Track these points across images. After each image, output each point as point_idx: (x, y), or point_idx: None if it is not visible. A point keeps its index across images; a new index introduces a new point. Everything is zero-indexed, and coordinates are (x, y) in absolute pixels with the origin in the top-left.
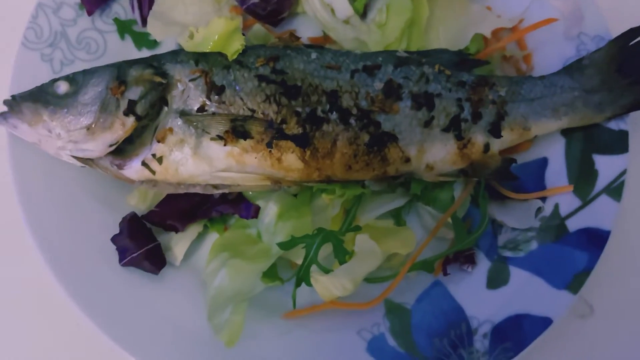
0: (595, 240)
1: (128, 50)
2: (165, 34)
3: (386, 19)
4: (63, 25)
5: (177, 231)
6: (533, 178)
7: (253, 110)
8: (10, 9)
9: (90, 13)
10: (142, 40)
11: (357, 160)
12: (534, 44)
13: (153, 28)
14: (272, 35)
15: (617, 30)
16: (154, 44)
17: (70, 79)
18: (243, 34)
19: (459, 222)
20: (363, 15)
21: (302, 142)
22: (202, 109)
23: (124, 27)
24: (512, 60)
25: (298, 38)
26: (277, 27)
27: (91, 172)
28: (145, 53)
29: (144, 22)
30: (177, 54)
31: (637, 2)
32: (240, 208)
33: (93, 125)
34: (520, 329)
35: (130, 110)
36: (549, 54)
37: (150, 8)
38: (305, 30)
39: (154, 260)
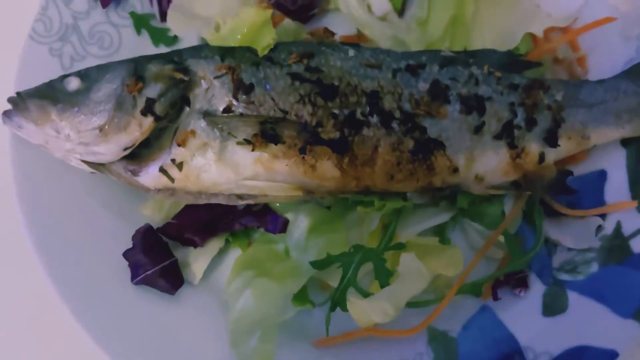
0: None
1: (145, 47)
2: (187, 28)
3: (427, 15)
4: (75, 18)
5: (196, 246)
6: (591, 192)
7: (285, 112)
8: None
9: (105, 5)
10: (161, 36)
11: (401, 169)
12: (589, 46)
13: (173, 21)
14: (303, 31)
15: None
16: (174, 40)
17: (82, 74)
18: None
19: (512, 240)
20: (401, 11)
21: (340, 147)
22: (228, 109)
23: (140, 22)
24: (565, 63)
25: (333, 34)
26: (307, 24)
27: (102, 179)
28: (164, 50)
29: (163, 16)
30: (201, 49)
31: None
32: (266, 221)
33: (106, 126)
34: None
35: (148, 109)
36: (606, 56)
37: (170, 1)
38: (337, 28)
39: (170, 278)
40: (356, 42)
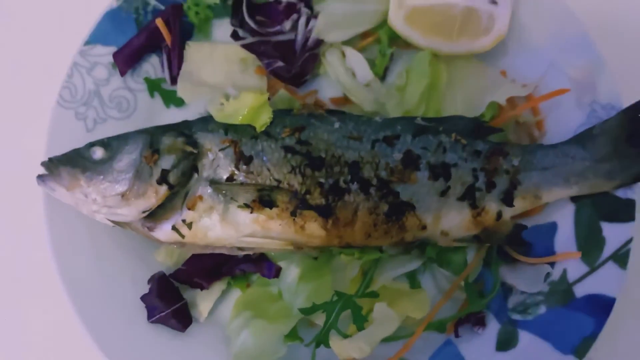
0: (601, 306)
1: (157, 108)
2: (195, 96)
3: (406, 83)
4: (96, 85)
5: (202, 288)
6: (543, 242)
7: (279, 181)
8: (45, 68)
9: (123, 74)
10: (171, 98)
11: (377, 228)
12: (547, 110)
13: (183, 90)
14: (296, 100)
15: (629, 99)
16: (182, 102)
17: (105, 144)
18: (269, 98)
19: (471, 288)
20: (383, 78)
21: (325, 212)
22: (231, 178)
23: (153, 86)
24: (525, 125)
25: (321, 106)
26: (300, 88)
27: (123, 230)
28: (173, 110)
29: (173, 80)
30: (208, 122)
31: None
32: (262, 267)
33: (127, 192)
34: None
35: (163, 179)
36: (562, 121)
37: (179, 67)
38: (327, 91)
39: (180, 318)
40: (343, 103)
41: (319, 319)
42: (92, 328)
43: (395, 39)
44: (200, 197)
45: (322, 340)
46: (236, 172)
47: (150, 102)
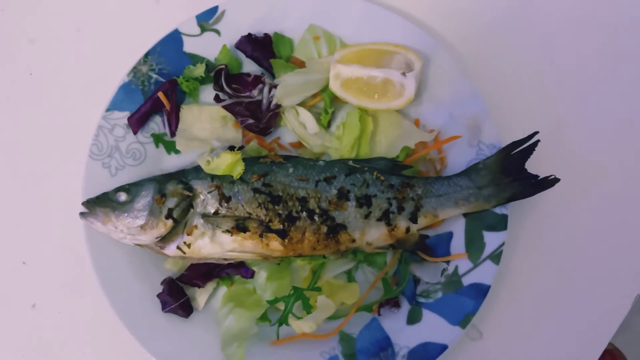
0: (480, 291)
1: (161, 155)
2: (189, 148)
3: (342, 133)
4: (116, 141)
5: (199, 287)
6: (442, 246)
7: (250, 213)
8: (76, 129)
9: (135, 132)
10: (171, 147)
11: (319, 243)
12: (447, 149)
13: (180, 144)
14: (262, 149)
15: (508, 138)
16: (179, 150)
17: (127, 189)
18: (242, 147)
19: (387, 282)
20: (328, 127)
21: (282, 234)
22: (216, 212)
23: (158, 139)
24: (431, 160)
25: (280, 156)
26: (267, 136)
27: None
28: (173, 156)
29: (172, 134)
30: (199, 171)
31: (524, 119)
32: (241, 271)
33: (145, 225)
34: (427, 352)
35: (169, 215)
36: (458, 156)
37: (176, 125)
38: (287, 137)
39: (185, 308)
40: (298, 146)
41: (283, 307)
42: (124, 317)
43: (335, 99)
44: (196, 226)
45: (283, 320)
46: (220, 208)
47: (156, 151)
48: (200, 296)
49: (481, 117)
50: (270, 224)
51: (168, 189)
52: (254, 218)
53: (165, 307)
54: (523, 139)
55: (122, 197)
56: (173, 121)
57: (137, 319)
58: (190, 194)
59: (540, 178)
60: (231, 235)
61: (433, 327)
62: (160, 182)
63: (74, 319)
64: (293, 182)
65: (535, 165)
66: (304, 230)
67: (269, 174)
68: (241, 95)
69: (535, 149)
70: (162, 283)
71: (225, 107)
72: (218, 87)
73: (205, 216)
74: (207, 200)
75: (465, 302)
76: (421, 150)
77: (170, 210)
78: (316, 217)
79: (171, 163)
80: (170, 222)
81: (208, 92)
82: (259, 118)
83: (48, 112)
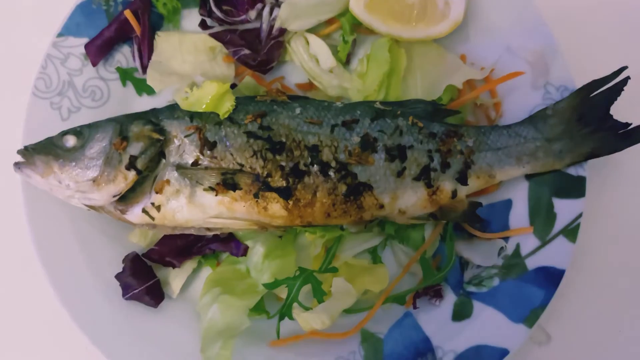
0: (551, 278)
1: (130, 96)
2: (164, 85)
3: (367, 69)
4: (70, 75)
5: (174, 267)
6: (498, 218)
7: (242, 165)
8: (19, 59)
9: (95, 64)
10: (142, 86)
11: (336, 208)
12: (504, 92)
13: (152, 80)
14: (261, 86)
15: (581, 81)
16: (153, 90)
17: (77, 132)
18: (235, 85)
19: (426, 263)
20: (346, 63)
21: (285, 194)
22: (196, 163)
23: (125, 75)
24: (483, 107)
25: (284, 93)
26: (267, 74)
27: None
28: (145, 98)
29: (144, 69)
30: (174, 110)
31: (601, 55)
32: (231, 247)
33: (98, 178)
34: (480, 359)
35: (131, 165)
36: (517, 102)
37: (149, 57)
38: (293, 77)
39: (153, 295)
40: (308, 89)
41: (284, 293)
42: (70, 305)
43: (358, 26)
44: (168, 181)
45: (285, 312)
46: (201, 157)
47: (123, 90)
48: (175, 279)
49: (549, 51)
50: (269, 179)
51: (132, 131)
52: (247, 171)
53: (126, 292)
54: (607, 77)
55: (70, 141)
56: (145, 52)
57: (88, 308)
58: (162, 138)
59: (632, 127)
60: (216, 195)
61: (488, 326)
62: (123, 122)
63: (8, 301)
64: (301, 125)
65: (623, 112)
66: (315, 190)
67: (268, 114)
68: (235, 20)
69: (624, 89)
70: (123, 261)
71: (214, 36)
72: (205, 10)
73: (180, 168)
74: (183, 147)
75: (531, 293)
76: (469, 92)
77: (133, 159)
78: (331, 173)
79: (143, 107)
80: (132, 173)
81: (192, 19)
82: (257, 49)
83: None
